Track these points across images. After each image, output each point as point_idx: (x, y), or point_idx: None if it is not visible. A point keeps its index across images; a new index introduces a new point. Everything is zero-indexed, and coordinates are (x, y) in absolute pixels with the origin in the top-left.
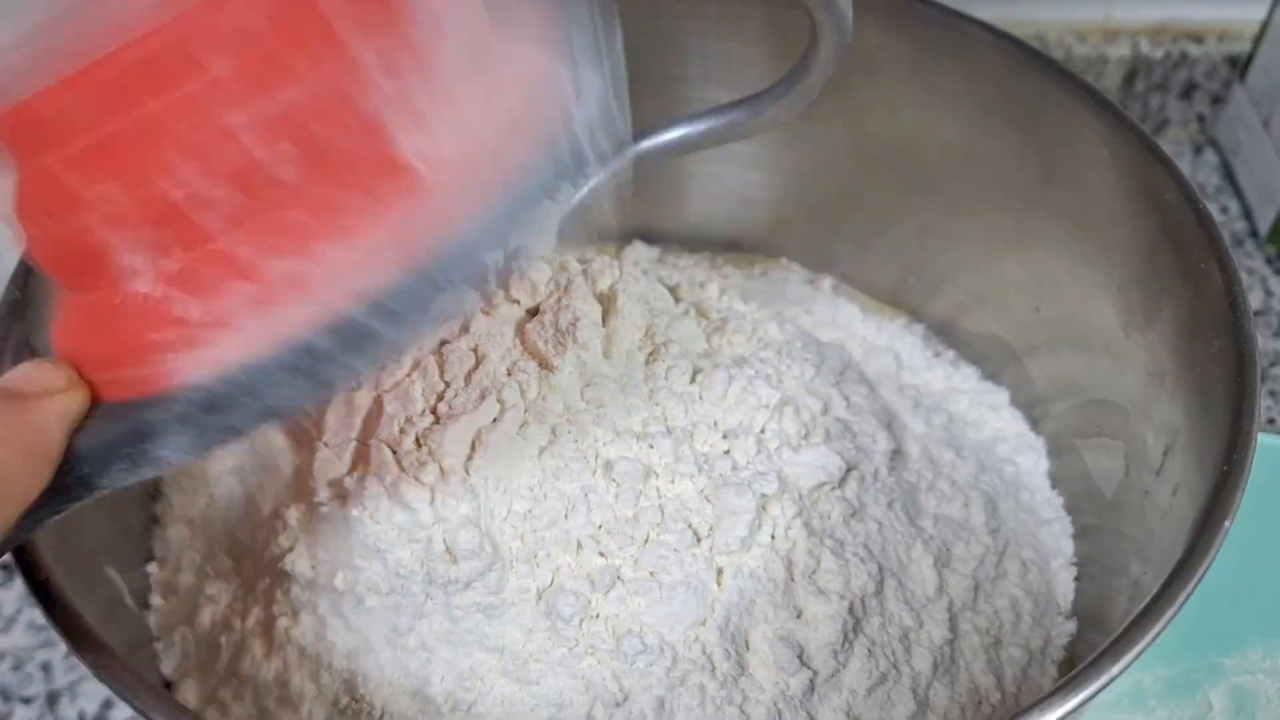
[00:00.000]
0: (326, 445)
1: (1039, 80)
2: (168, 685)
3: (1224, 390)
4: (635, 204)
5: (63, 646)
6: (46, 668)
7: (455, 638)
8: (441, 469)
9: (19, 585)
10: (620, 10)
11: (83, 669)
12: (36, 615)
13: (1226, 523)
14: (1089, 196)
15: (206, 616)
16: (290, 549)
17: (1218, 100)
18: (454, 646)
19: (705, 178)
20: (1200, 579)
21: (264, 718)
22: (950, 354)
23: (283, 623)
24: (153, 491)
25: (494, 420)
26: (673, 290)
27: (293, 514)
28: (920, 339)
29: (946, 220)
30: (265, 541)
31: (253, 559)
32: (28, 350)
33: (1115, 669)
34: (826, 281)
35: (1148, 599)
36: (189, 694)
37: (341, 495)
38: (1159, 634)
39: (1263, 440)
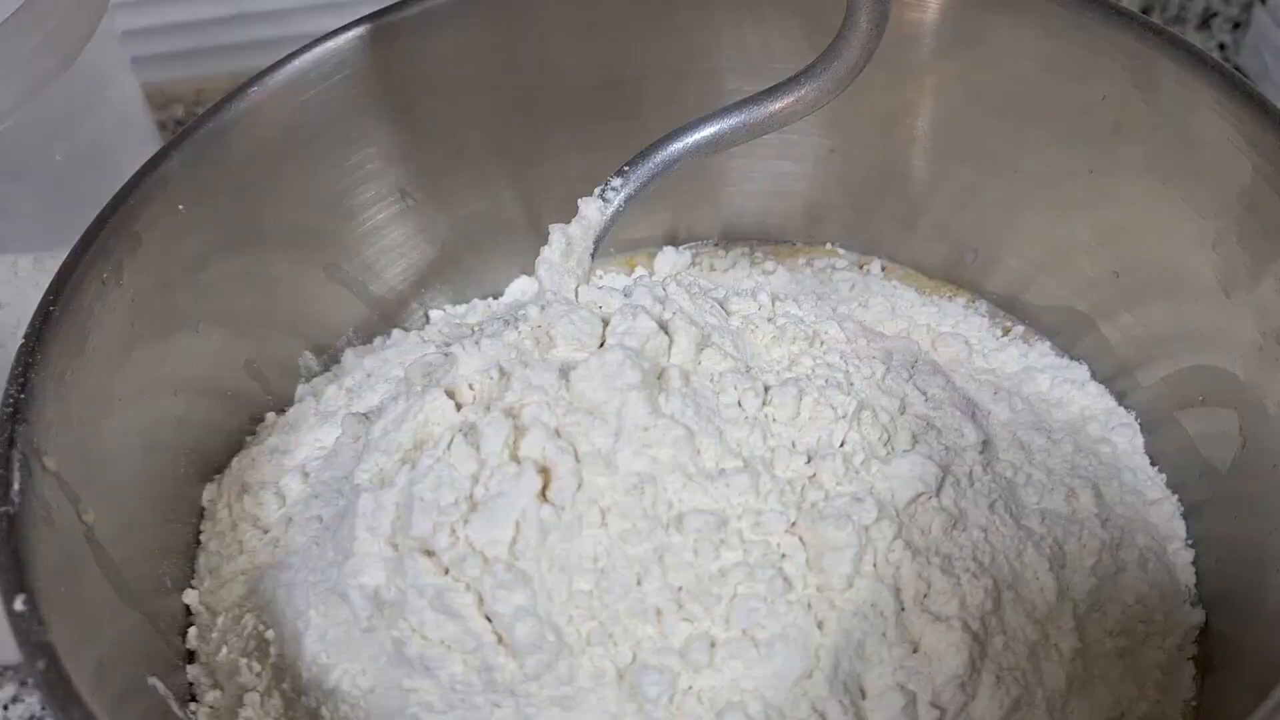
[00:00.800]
0: (356, 555)
1: (1101, 27)
2: None
3: None
4: (664, 206)
5: None
6: None
7: None
8: (485, 559)
9: None
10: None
11: None
12: None
13: None
14: (1170, 146)
15: None
16: (333, 666)
17: (1238, 26)
18: None
19: (735, 171)
20: None
21: None
22: (1020, 329)
23: None
24: (183, 580)
25: (541, 491)
26: (721, 304)
27: (333, 632)
28: (986, 318)
29: (1001, 188)
30: (309, 660)
31: (294, 677)
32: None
33: None
34: (876, 264)
35: None
36: None
37: (379, 610)
38: None
39: None
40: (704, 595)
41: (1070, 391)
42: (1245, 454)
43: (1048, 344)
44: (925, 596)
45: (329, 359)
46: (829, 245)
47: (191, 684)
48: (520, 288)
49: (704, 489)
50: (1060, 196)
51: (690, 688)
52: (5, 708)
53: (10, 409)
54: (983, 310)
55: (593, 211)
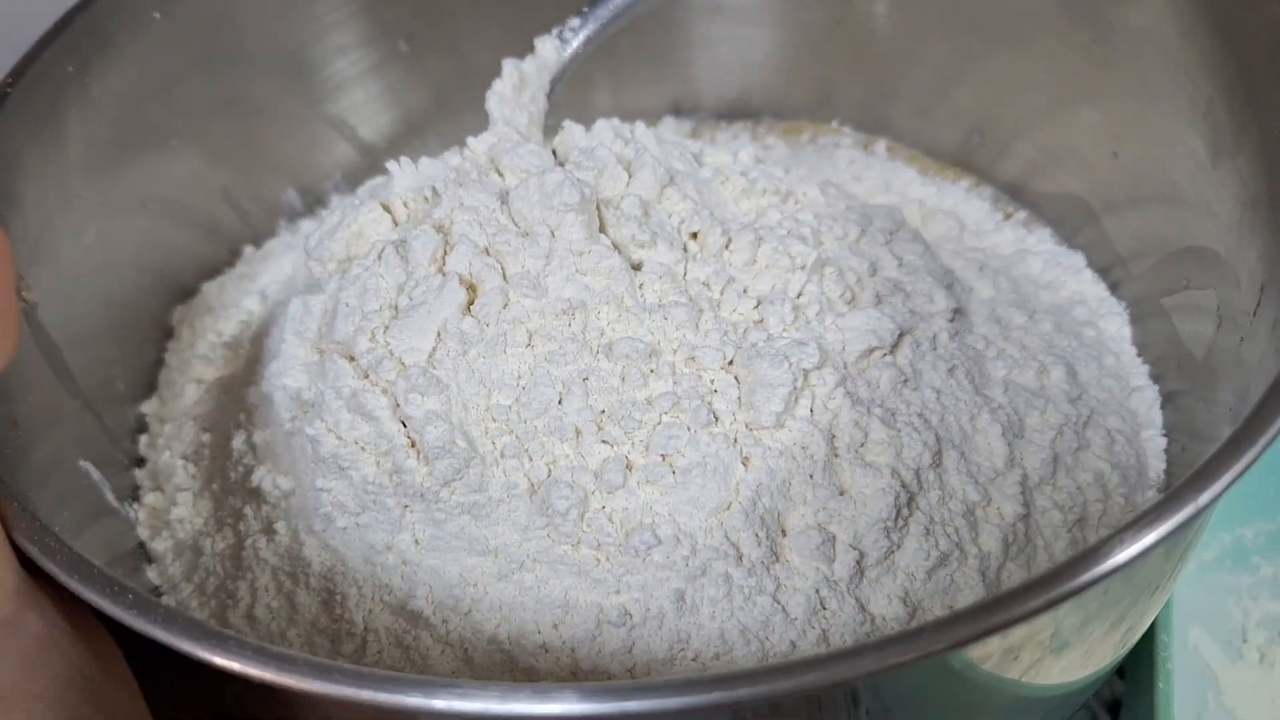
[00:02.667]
0: (281, 357)
1: None
2: (159, 594)
3: None
4: (663, 79)
5: None
6: None
7: (440, 544)
8: (402, 364)
9: None
10: None
11: None
12: None
13: None
14: (1165, 14)
15: (183, 532)
16: (254, 468)
17: None
18: (440, 554)
19: (736, 41)
20: None
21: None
22: (1022, 214)
23: (254, 543)
24: (140, 392)
25: (467, 305)
26: (696, 157)
27: (257, 434)
28: (988, 201)
29: (1013, 67)
30: (236, 461)
31: (222, 478)
32: None
33: (1220, 482)
34: (881, 145)
35: (1252, 407)
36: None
37: (302, 411)
38: (1267, 445)
39: None
40: (626, 420)
41: (1062, 276)
42: (1219, 334)
43: (1048, 231)
44: (861, 446)
45: (314, 201)
46: (834, 124)
47: (137, 487)
48: None
49: (639, 320)
50: (1069, 74)
51: (603, 507)
52: None
53: None
54: (986, 195)
55: (548, 50)
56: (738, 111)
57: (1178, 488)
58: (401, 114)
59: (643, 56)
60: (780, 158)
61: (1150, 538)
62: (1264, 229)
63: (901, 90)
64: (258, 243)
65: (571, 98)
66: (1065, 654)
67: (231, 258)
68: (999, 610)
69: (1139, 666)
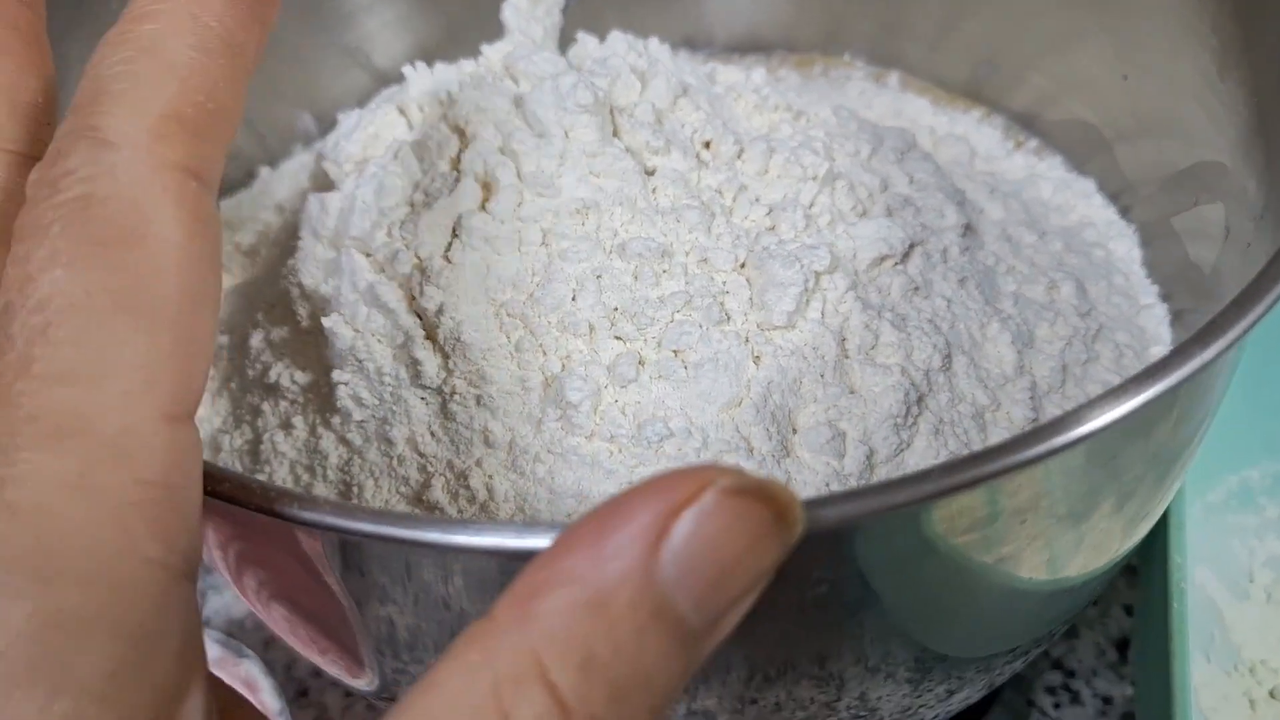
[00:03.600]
0: (298, 253)
1: None
2: None
3: None
4: (675, 13)
5: None
6: None
7: (455, 436)
8: (418, 258)
9: None
10: None
11: None
12: None
13: None
14: None
15: (202, 431)
16: (272, 364)
17: None
18: (454, 447)
19: None
20: None
21: None
22: (1034, 143)
23: (271, 437)
24: None
25: (482, 202)
26: (710, 75)
27: (274, 332)
28: (1000, 131)
29: None
30: (254, 359)
31: (240, 376)
32: None
33: (1223, 339)
34: (894, 77)
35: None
36: None
37: (319, 306)
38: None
39: None
40: (638, 317)
41: (1073, 200)
42: (1226, 246)
43: (1059, 159)
44: (872, 348)
45: (329, 126)
46: (846, 57)
47: None
48: None
49: (652, 221)
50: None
51: (616, 401)
52: None
53: None
54: (997, 125)
55: None
56: (749, 45)
57: (1182, 345)
58: (414, 41)
59: None
60: (793, 87)
61: (1150, 392)
62: (1272, 133)
63: (912, 23)
64: (274, 165)
65: (579, 28)
66: (1061, 535)
67: (247, 179)
68: (983, 460)
69: (1149, 602)
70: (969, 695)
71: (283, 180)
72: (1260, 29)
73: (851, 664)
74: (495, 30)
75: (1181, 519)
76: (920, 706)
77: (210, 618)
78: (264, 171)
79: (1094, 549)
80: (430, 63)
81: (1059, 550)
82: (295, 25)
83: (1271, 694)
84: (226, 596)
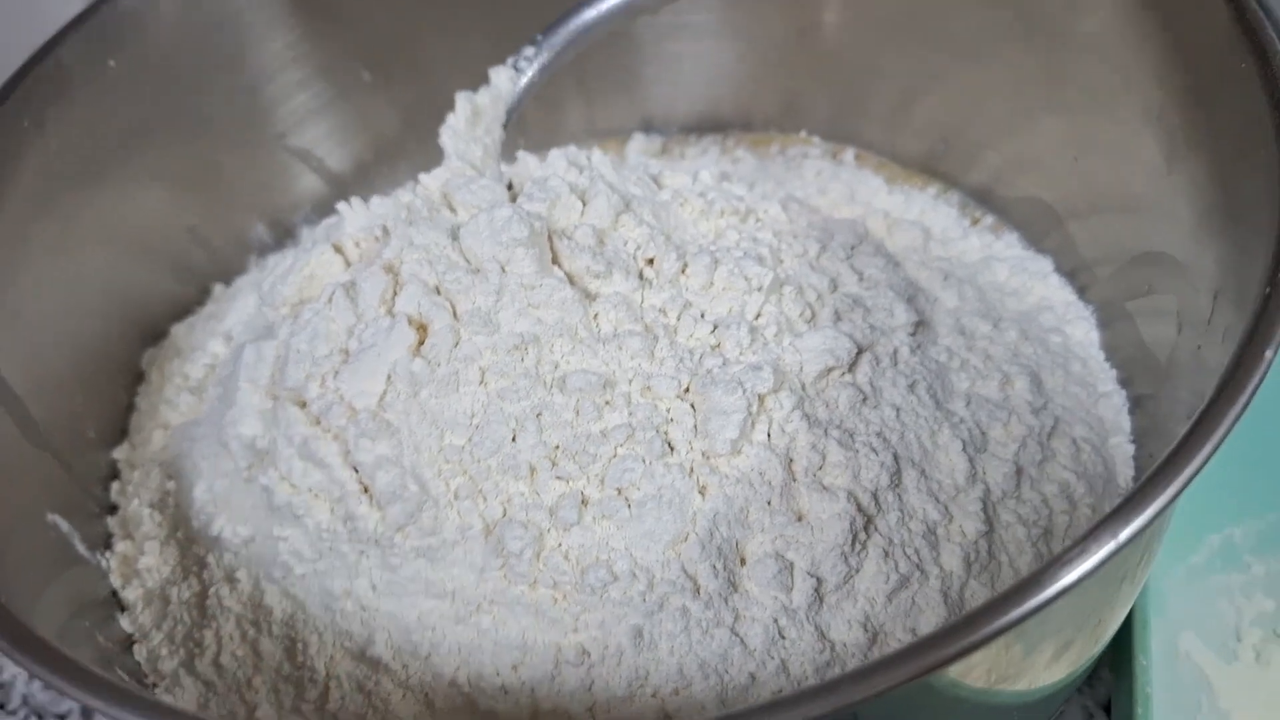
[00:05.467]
0: (236, 405)
1: None
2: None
3: (1270, 207)
4: (634, 97)
5: None
6: None
7: (397, 588)
8: (353, 409)
9: None
10: None
11: None
12: None
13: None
14: (1117, 16)
15: (151, 581)
16: (215, 516)
17: None
18: (397, 599)
19: (703, 57)
20: (1254, 391)
21: (207, 686)
22: (990, 219)
23: (217, 591)
24: (113, 438)
25: (417, 346)
26: (655, 178)
27: (217, 483)
28: (956, 208)
29: (975, 78)
30: (198, 509)
31: (186, 526)
32: None
33: (1178, 481)
34: (849, 153)
35: (1200, 408)
36: (143, 656)
37: (258, 459)
38: (1217, 446)
39: None
40: (580, 454)
41: (1029, 282)
42: (1180, 339)
43: (1015, 235)
44: (819, 469)
45: (284, 234)
46: (803, 134)
47: (110, 534)
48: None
49: (593, 351)
50: (1028, 82)
51: (559, 545)
52: None
53: None
54: (954, 201)
55: (503, 80)
56: (707, 125)
57: (1130, 494)
58: (369, 142)
59: (611, 76)
60: (748, 170)
61: (1105, 550)
62: (1219, 236)
63: (867, 100)
64: (228, 280)
65: (543, 120)
66: (1033, 658)
67: (201, 296)
68: (956, 636)
69: (1121, 671)
70: None
71: (233, 300)
72: (1204, 127)
73: None
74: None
75: (1161, 588)
76: None
77: None
78: (217, 289)
79: (1076, 657)
80: (393, 161)
81: (1042, 666)
82: (242, 135)
83: None
84: None
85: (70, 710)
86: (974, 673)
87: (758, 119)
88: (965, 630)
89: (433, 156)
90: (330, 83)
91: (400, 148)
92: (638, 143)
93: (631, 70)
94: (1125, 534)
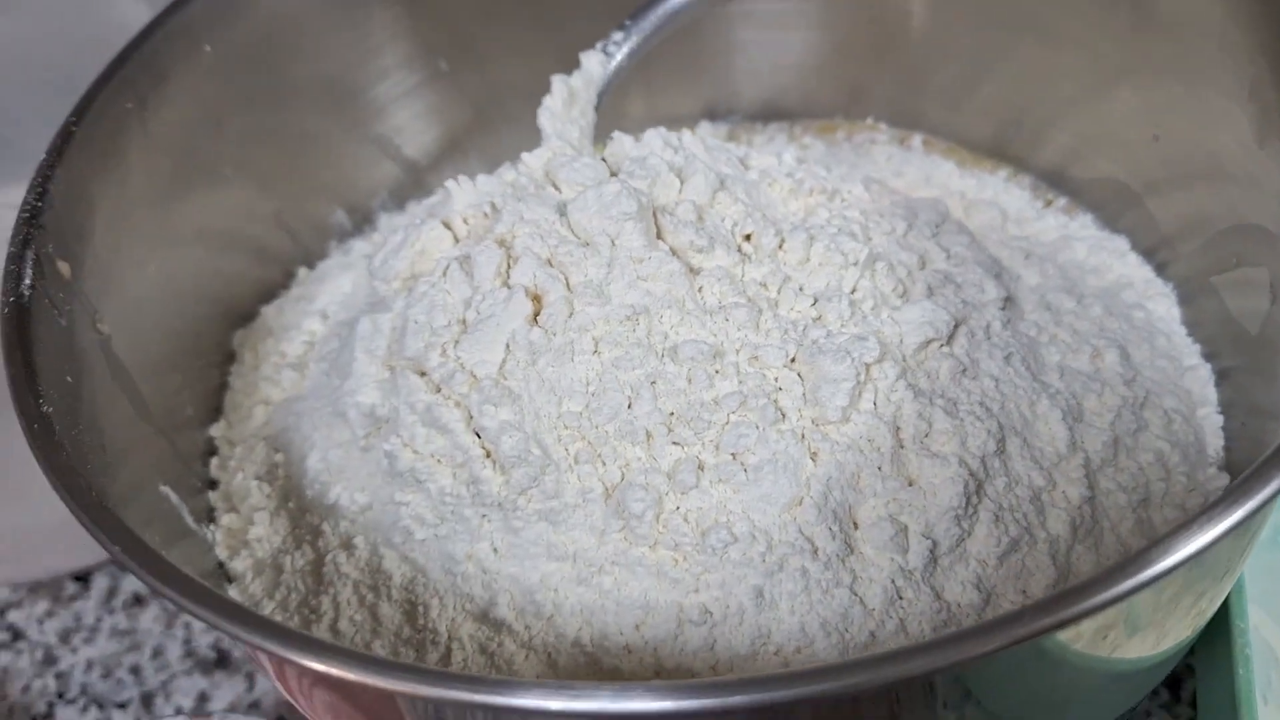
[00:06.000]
0: (353, 375)
1: None
2: None
3: None
4: (697, 84)
5: (149, 648)
6: (136, 671)
7: (519, 551)
8: (474, 377)
9: (97, 592)
10: None
11: (174, 667)
12: (120, 620)
13: None
14: None
15: (262, 551)
16: (331, 484)
17: None
18: (519, 561)
19: (768, 45)
20: None
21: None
22: (1063, 201)
23: (334, 558)
24: (208, 417)
25: (533, 316)
26: (741, 160)
27: (332, 452)
28: (1028, 190)
29: (1045, 57)
30: (311, 479)
31: (298, 496)
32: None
33: None
34: (917, 139)
35: None
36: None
37: (376, 428)
38: None
39: None
40: (695, 421)
41: (1108, 260)
42: (1275, 309)
43: (1090, 217)
44: (926, 436)
45: (362, 220)
46: (870, 120)
47: (212, 509)
48: None
49: (701, 322)
50: (1103, 62)
51: (677, 508)
52: (40, 623)
53: (28, 214)
54: (1025, 184)
55: (594, 64)
56: (772, 113)
57: (1247, 476)
58: (444, 131)
59: (676, 64)
60: (819, 156)
61: (1222, 526)
62: None
63: (934, 85)
64: (310, 264)
65: (606, 108)
66: (1138, 636)
67: (286, 280)
68: (1075, 599)
69: (1212, 647)
70: None
71: (322, 283)
72: None
73: None
74: (521, 119)
75: (1241, 581)
76: None
77: (260, 699)
78: (301, 272)
79: (1186, 624)
80: (463, 151)
81: (1156, 633)
82: (325, 122)
83: None
84: None
85: (130, 699)
86: (1084, 639)
87: (822, 106)
88: (1078, 596)
89: (500, 143)
90: (411, 71)
91: (470, 138)
92: (705, 130)
93: (695, 58)
94: (1252, 504)
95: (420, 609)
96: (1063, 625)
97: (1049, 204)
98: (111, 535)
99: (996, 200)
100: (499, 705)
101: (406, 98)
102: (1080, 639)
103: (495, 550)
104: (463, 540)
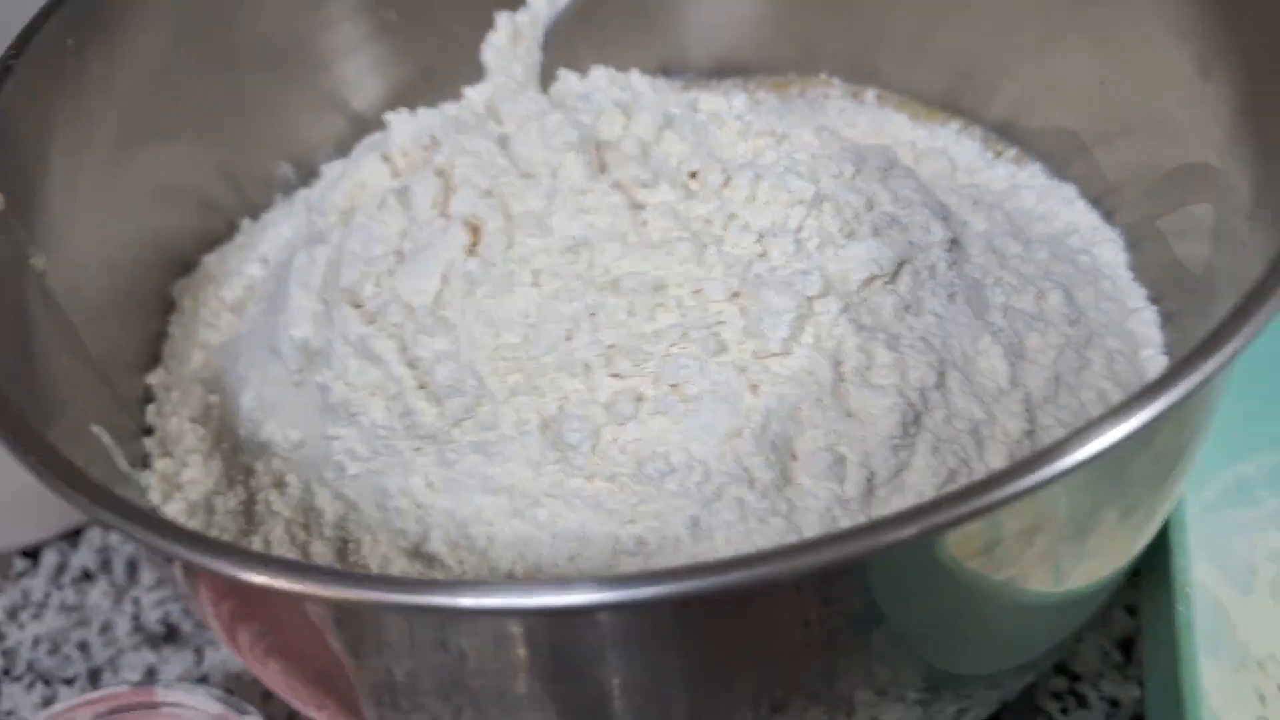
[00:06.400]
0: (288, 310)
1: None
2: None
3: None
4: (650, 38)
5: (97, 624)
6: (84, 647)
7: (453, 484)
8: (409, 307)
9: (45, 569)
10: None
11: (122, 642)
12: (68, 596)
13: None
14: None
15: (195, 493)
16: (264, 422)
17: None
18: (453, 495)
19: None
20: None
21: None
22: (1013, 152)
23: (265, 496)
24: (148, 365)
25: (471, 247)
26: (691, 104)
27: (266, 389)
28: (979, 141)
29: (995, 7)
30: (245, 417)
31: (232, 436)
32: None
33: (1221, 354)
34: (871, 93)
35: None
36: None
37: (309, 362)
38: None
39: None
40: (634, 353)
41: (1055, 207)
42: (1216, 248)
43: (1039, 166)
44: (867, 370)
45: (308, 173)
46: (824, 76)
47: (147, 454)
48: None
49: (644, 256)
50: (1049, 7)
51: (615, 440)
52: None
53: None
54: (976, 136)
55: (540, 4)
56: (726, 69)
57: (1154, 382)
58: (392, 85)
59: (626, 20)
60: (772, 110)
61: (1150, 410)
62: (1256, 132)
63: (886, 39)
64: (254, 215)
65: (557, 63)
66: (1069, 550)
67: (230, 231)
68: (982, 491)
69: (1155, 604)
70: (979, 715)
71: (265, 231)
72: (1246, 25)
73: (861, 688)
74: (471, 70)
75: (1182, 519)
76: None
77: (209, 672)
78: (245, 223)
79: (1102, 558)
80: (410, 106)
81: (1067, 564)
82: (270, 75)
83: None
84: (225, 651)
85: (77, 675)
86: (985, 558)
87: (776, 62)
88: (966, 496)
89: (449, 98)
90: (359, 23)
91: (418, 92)
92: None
93: (647, 14)
94: (1159, 405)
95: (352, 546)
96: (940, 527)
97: (999, 154)
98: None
99: (946, 150)
100: (434, 606)
101: (355, 50)
102: (976, 553)
103: (429, 484)
104: (396, 474)
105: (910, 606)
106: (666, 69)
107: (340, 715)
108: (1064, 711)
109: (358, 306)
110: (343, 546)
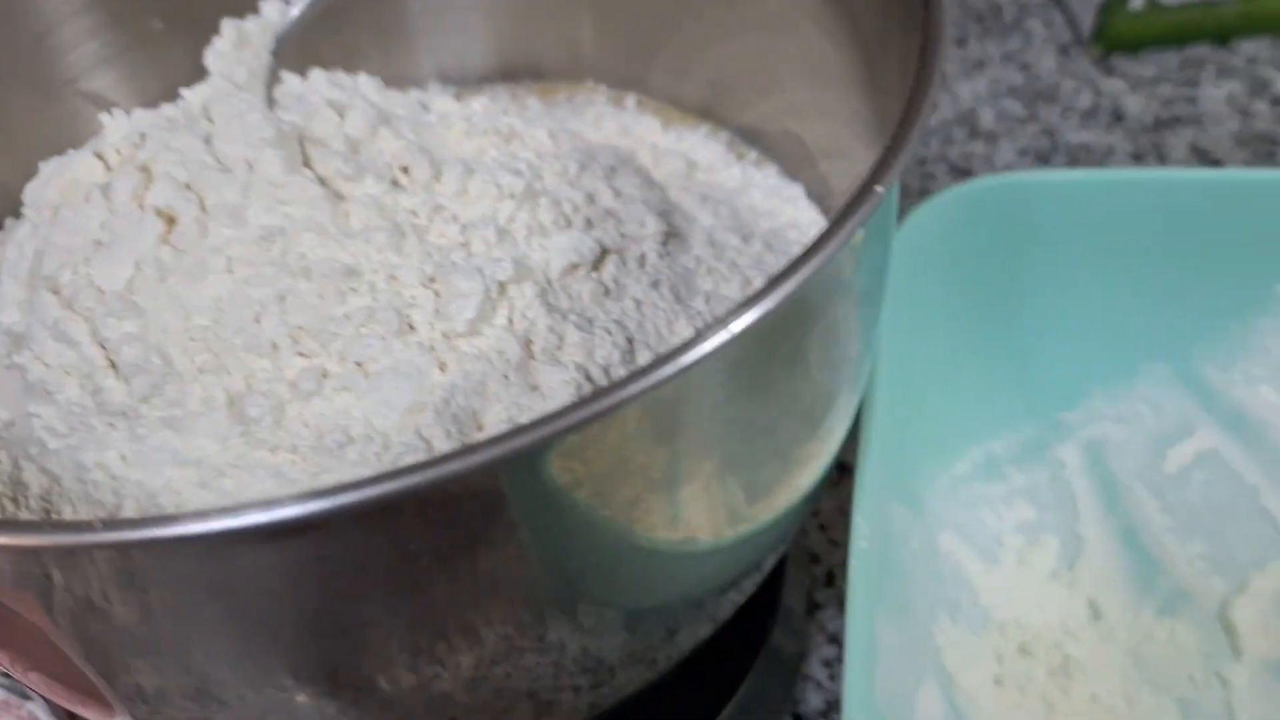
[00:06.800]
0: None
1: None
2: None
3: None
4: (427, 48)
5: None
6: None
7: (144, 458)
8: (101, 292)
9: None
10: None
11: None
12: None
13: None
14: None
15: None
16: None
17: None
18: (144, 468)
19: (490, 7)
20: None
21: None
22: (754, 155)
23: None
24: None
25: (165, 236)
26: (424, 105)
27: None
28: (724, 145)
29: (729, 16)
30: None
31: None
32: None
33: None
34: (631, 99)
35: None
36: None
37: (15, 345)
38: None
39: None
40: (322, 334)
41: (781, 205)
42: None
43: (775, 168)
44: (558, 349)
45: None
46: (590, 83)
47: None
48: None
49: (341, 245)
50: (771, 15)
51: (299, 414)
52: None
53: None
54: (723, 139)
55: (272, 11)
56: (500, 76)
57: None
58: (165, 88)
59: (405, 27)
60: (535, 116)
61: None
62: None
63: (643, 47)
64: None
65: (303, 69)
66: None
67: None
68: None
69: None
70: (697, 631)
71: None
72: (892, 35)
73: (560, 625)
74: None
75: (864, 477)
76: (646, 649)
77: None
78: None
79: (745, 494)
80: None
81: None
82: (26, 81)
83: (1021, 649)
84: None
85: None
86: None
87: (548, 70)
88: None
89: None
90: (122, 31)
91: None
92: (433, 91)
93: (424, 22)
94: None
95: (53, 516)
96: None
97: (741, 157)
98: None
99: (690, 152)
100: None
101: (120, 58)
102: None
103: (123, 458)
104: (91, 449)
105: (552, 537)
106: (445, 77)
107: (91, 703)
108: (833, 679)
109: (56, 293)
110: (46, 518)
